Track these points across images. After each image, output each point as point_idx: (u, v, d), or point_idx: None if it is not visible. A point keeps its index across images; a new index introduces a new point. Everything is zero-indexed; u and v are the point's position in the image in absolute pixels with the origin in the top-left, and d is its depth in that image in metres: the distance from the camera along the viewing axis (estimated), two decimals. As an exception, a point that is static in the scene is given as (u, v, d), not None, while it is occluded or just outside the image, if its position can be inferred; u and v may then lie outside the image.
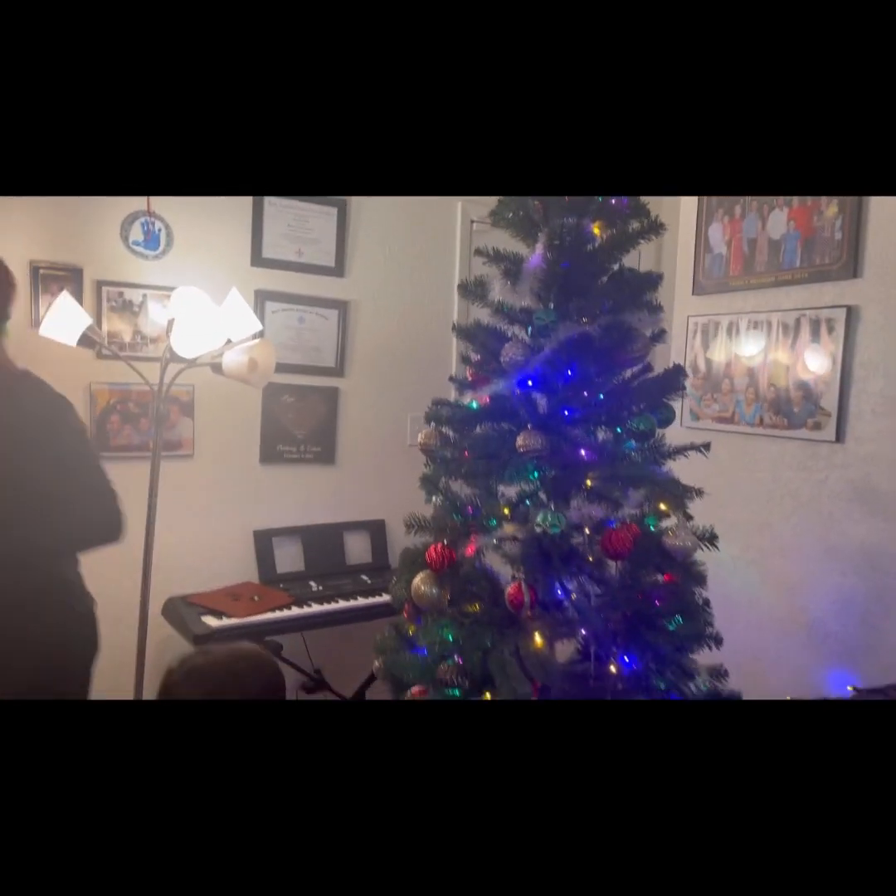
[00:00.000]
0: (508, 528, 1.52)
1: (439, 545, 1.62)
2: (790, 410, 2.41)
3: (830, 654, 2.13)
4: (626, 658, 1.56)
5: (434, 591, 1.66)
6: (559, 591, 1.55)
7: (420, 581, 1.68)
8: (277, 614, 2.65)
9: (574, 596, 1.54)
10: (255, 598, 2.74)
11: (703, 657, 1.71)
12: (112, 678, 2.64)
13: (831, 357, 2.28)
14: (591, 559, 1.54)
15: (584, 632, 1.57)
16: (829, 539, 2.26)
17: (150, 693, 2.64)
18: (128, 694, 2.49)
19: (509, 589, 1.48)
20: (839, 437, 2.24)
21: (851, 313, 2.23)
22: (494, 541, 1.56)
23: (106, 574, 2.68)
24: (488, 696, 1.54)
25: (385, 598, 2.76)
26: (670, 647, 1.55)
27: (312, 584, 2.94)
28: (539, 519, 1.42)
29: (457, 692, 1.52)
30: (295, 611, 2.69)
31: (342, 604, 2.80)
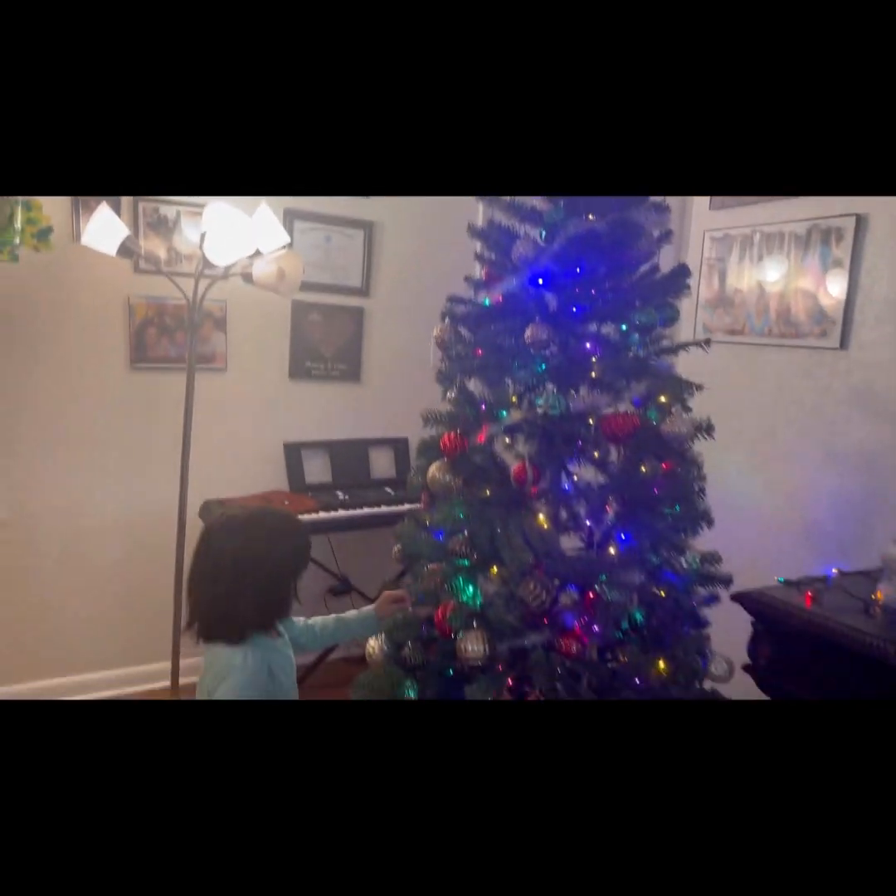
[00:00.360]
0: (516, 415, 1.64)
1: (452, 434, 1.75)
2: (797, 320, 2.47)
3: (825, 550, 2.24)
4: (622, 535, 1.69)
5: (447, 477, 1.79)
6: (561, 473, 1.67)
7: (435, 469, 1.81)
8: (305, 517, 2.82)
9: (576, 477, 1.67)
10: (285, 502, 2.91)
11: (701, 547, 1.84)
12: (153, 574, 2.86)
13: (839, 266, 2.33)
14: (593, 445, 1.66)
15: (583, 512, 1.70)
16: (830, 444, 2.34)
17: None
18: (169, 589, 2.69)
19: (514, 467, 1.60)
20: (843, 344, 2.30)
21: (860, 222, 2.26)
22: (503, 429, 1.68)
23: (148, 479, 2.87)
24: (495, 569, 1.68)
25: (406, 507, 2.93)
26: (666, 527, 1.67)
27: (339, 493, 3.11)
28: (540, 401, 1.53)
29: (466, 562, 1.67)
30: (322, 515, 2.87)
31: (366, 510, 2.97)
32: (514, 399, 1.65)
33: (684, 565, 1.66)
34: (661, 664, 1.63)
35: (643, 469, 1.74)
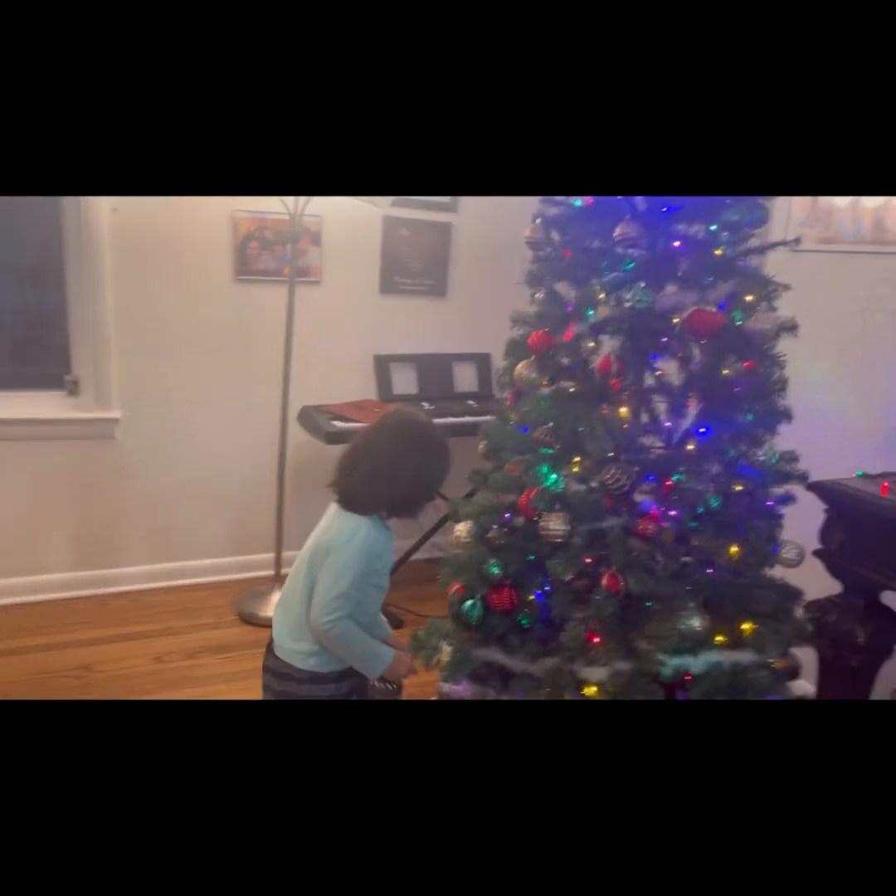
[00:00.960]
0: (602, 311, 1.72)
1: (540, 332, 1.85)
2: (892, 227, 2.42)
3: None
4: (701, 429, 1.77)
5: (534, 374, 1.90)
6: (644, 370, 1.75)
7: (522, 367, 1.92)
8: (395, 423, 3.00)
9: (659, 373, 1.75)
10: (376, 409, 3.09)
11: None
12: (257, 472, 3.11)
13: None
14: (677, 342, 1.73)
15: (664, 408, 1.78)
16: (920, 353, 2.32)
17: (289, 485, 3.09)
18: (272, 485, 2.93)
19: (599, 359, 1.70)
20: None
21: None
22: (590, 326, 1.77)
23: (252, 383, 3.09)
24: (577, 460, 1.80)
25: (488, 418, 3.05)
26: (745, 424, 1.74)
27: (425, 404, 3.26)
28: (628, 295, 1.61)
29: (550, 451, 1.79)
30: (410, 422, 3.04)
31: (451, 420, 3.12)
32: (601, 296, 1.73)
33: (761, 459, 1.73)
34: (733, 549, 1.73)
35: (725, 369, 1.80)
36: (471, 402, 3.39)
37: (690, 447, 1.80)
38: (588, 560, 1.80)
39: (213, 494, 3.15)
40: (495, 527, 1.94)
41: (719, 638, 1.81)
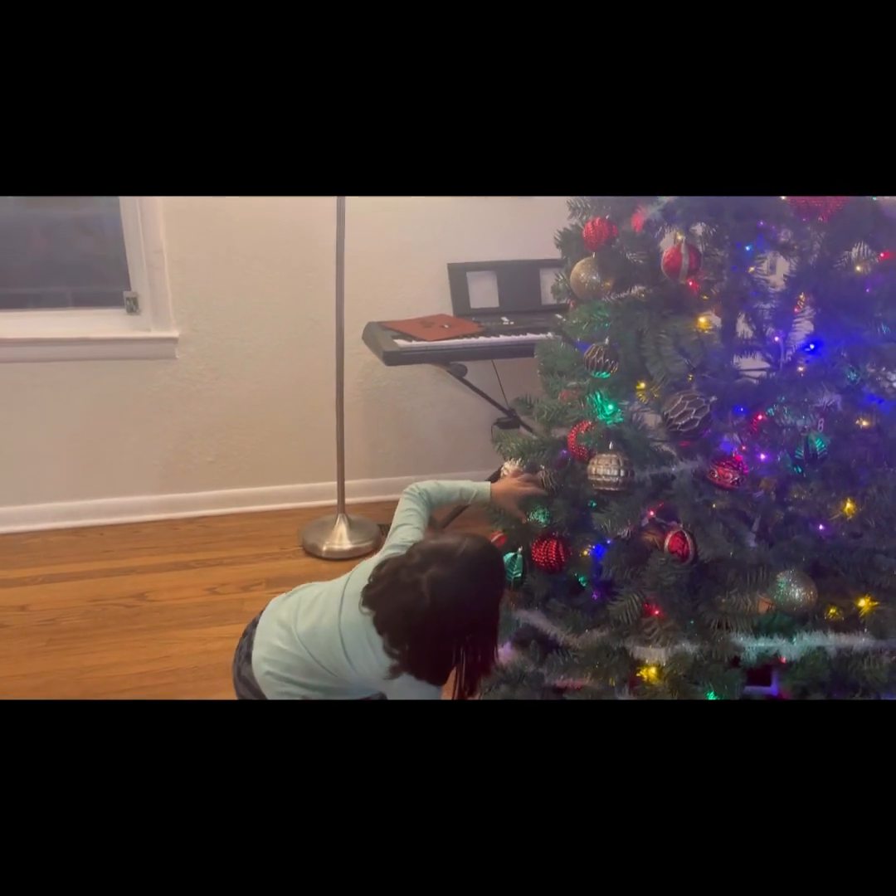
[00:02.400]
0: (676, 188, 1.29)
1: (598, 220, 1.44)
2: None
3: None
4: (811, 346, 1.33)
5: (594, 277, 1.50)
6: (735, 263, 1.32)
7: (579, 267, 1.52)
8: (464, 341, 2.66)
9: (751, 269, 1.30)
10: (445, 326, 2.76)
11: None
12: (319, 396, 2.90)
13: None
14: (779, 224, 1.27)
15: (764, 317, 1.35)
16: None
17: (354, 409, 2.87)
18: (331, 404, 2.72)
19: (666, 252, 1.28)
20: None
21: None
22: (661, 208, 1.34)
23: (310, 301, 2.85)
24: (642, 385, 1.41)
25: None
26: (875, 337, 1.28)
27: (505, 319, 2.89)
28: (706, 160, 1.17)
29: (605, 375, 1.41)
30: (481, 339, 2.69)
31: (531, 336, 2.73)
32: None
33: (895, 386, 1.27)
34: (848, 505, 1.30)
35: (852, 259, 1.33)
36: (560, 316, 2.97)
37: (800, 369, 1.36)
38: (652, 512, 1.44)
39: (276, 418, 2.98)
40: (543, 467, 1.61)
41: (832, 612, 1.41)
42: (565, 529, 1.54)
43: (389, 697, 1.31)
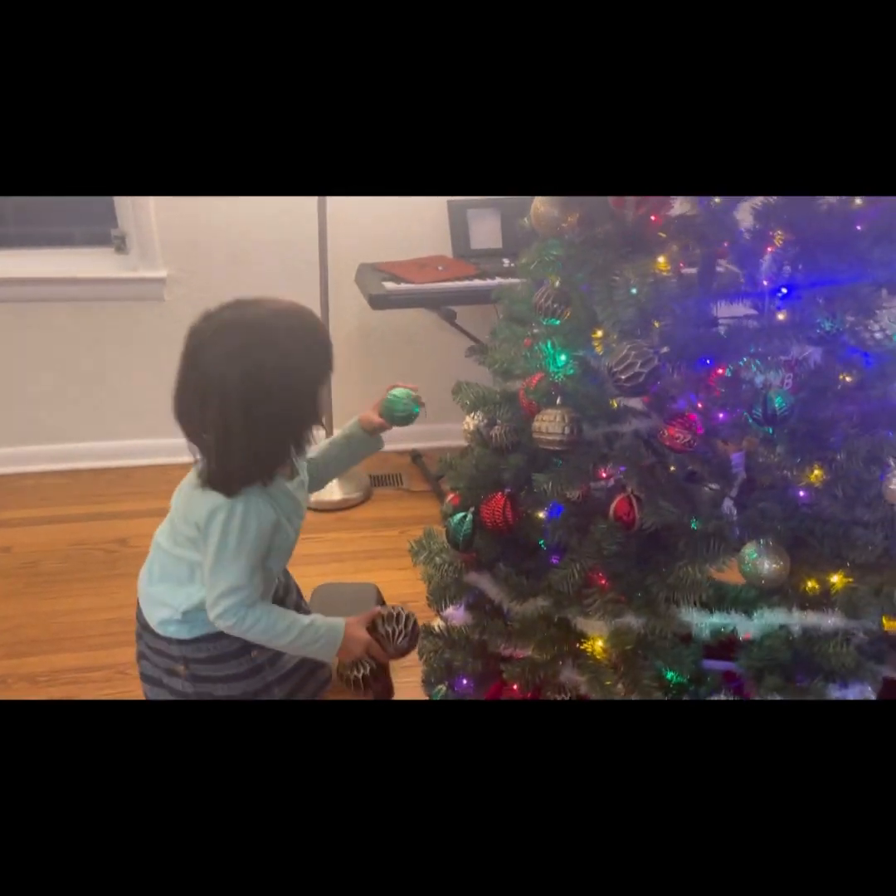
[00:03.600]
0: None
1: (554, 144, 1.28)
2: None
3: None
4: (783, 290, 1.16)
5: (555, 211, 1.35)
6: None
7: (540, 201, 1.37)
8: (454, 284, 2.52)
9: (717, 201, 1.14)
10: (440, 267, 2.62)
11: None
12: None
13: None
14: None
15: (725, 247, 1.18)
16: None
17: (345, 355, 2.78)
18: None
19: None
20: None
21: None
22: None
23: (306, 236, 2.72)
24: (598, 333, 1.27)
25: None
26: (858, 278, 1.11)
27: (506, 260, 2.73)
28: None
29: (555, 321, 1.28)
30: (475, 282, 2.54)
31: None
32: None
33: (878, 336, 1.11)
34: (816, 472, 1.16)
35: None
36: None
37: (780, 316, 1.21)
38: (603, 474, 1.31)
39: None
40: (499, 421, 1.49)
41: (809, 586, 1.29)
42: (518, 487, 1.44)
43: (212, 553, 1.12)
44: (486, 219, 2.82)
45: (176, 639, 1.23)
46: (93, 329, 2.74)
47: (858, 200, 1.19)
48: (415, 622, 1.35)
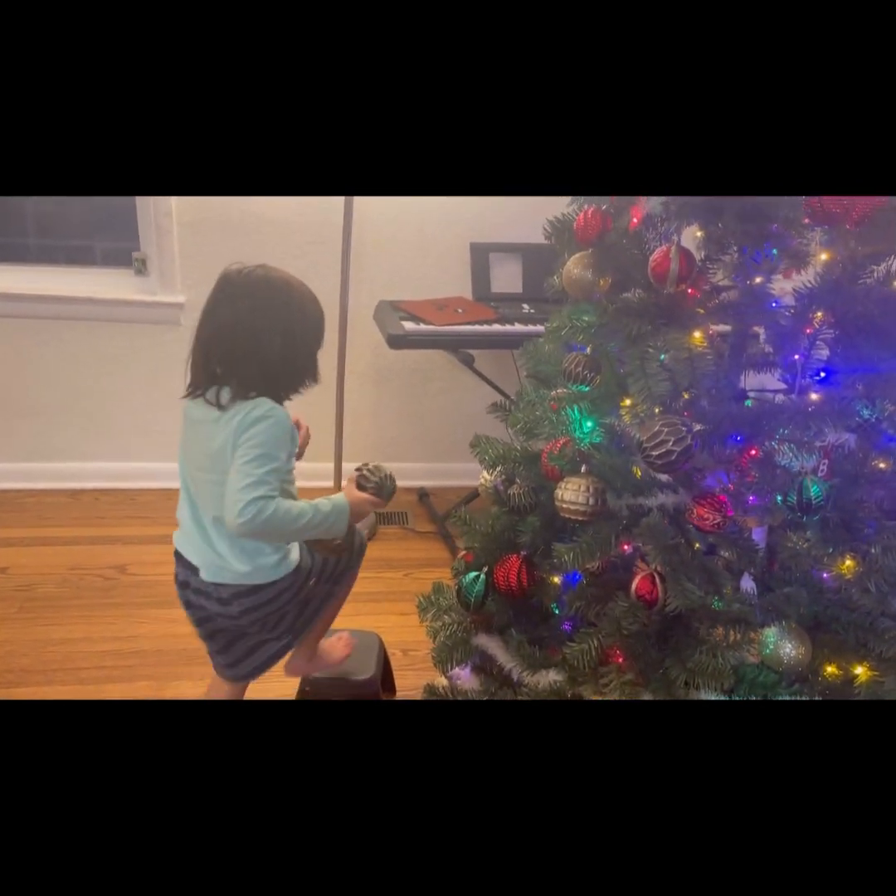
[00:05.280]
0: (676, 179, 1.11)
1: (592, 209, 1.26)
2: None
3: None
4: (822, 373, 1.14)
5: (588, 274, 1.33)
6: (741, 270, 1.13)
7: (573, 262, 1.36)
8: (473, 328, 2.50)
9: (757, 280, 1.12)
10: (459, 310, 2.60)
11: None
12: (325, 369, 2.78)
13: None
14: (794, 230, 1.08)
15: (764, 333, 1.16)
16: None
17: (359, 390, 2.76)
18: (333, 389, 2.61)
19: (654, 254, 1.10)
20: None
21: None
22: (662, 202, 1.16)
23: (318, 272, 2.71)
24: (627, 402, 1.25)
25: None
26: (899, 368, 1.09)
27: (525, 306, 2.71)
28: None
29: (584, 388, 1.25)
30: (494, 327, 2.52)
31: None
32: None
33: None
34: (848, 563, 1.12)
35: (886, 275, 1.13)
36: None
37: (810, 399, 1.18)
38: (625, 547, 1.28)
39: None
40: (518, 480, 1.46)
41: (829, 671, 1.24)
42: (535, 551, 1.40)
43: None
44: (507, 263, 2.81)
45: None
46: (106, 349, 2.72)
47: (882, 275, 1.17)
48: (384, 468, 1.45)
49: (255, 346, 1.25)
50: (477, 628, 1.47)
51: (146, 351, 2.74)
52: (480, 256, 2.78)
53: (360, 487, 1.41)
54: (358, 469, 1.45)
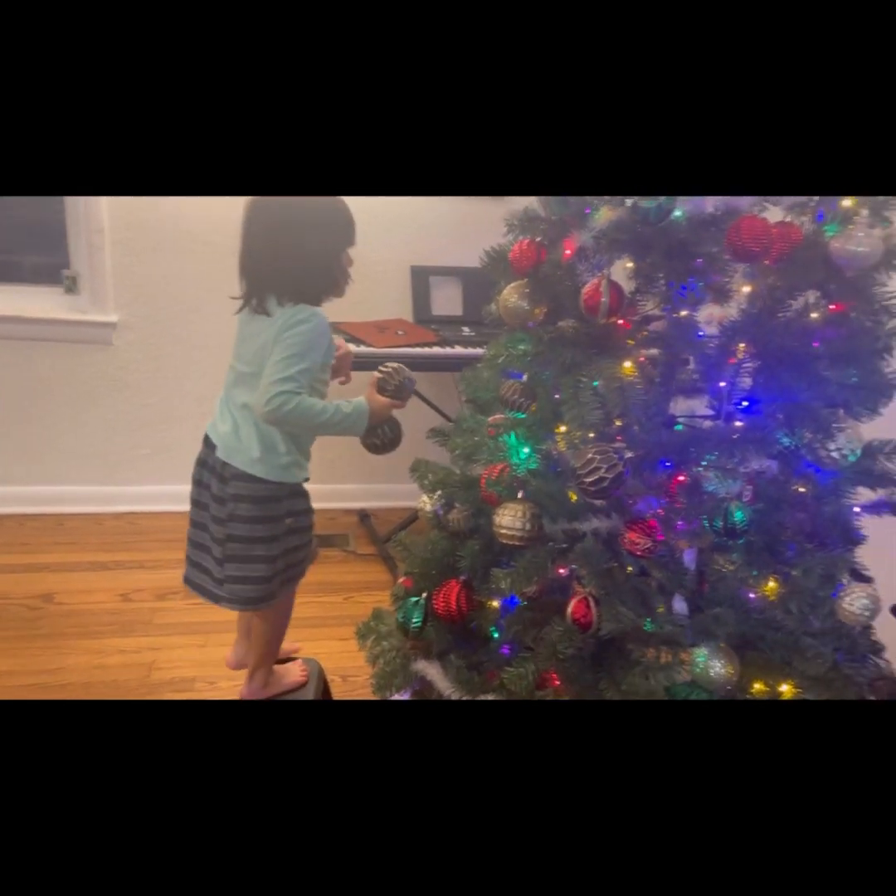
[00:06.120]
0: (607, 214, 1.14)
1: (526, 241, 1.29)
2: None
3: None
4: (744, 403, 1.19)
5: (524, 304, 1.36)
6: (668, 303, 1.17)
7: (509, 291, 1.38)
8: (415, 350, 2.52)
9: (683, 313, 1.16)
10: (400, 332, 2.62)
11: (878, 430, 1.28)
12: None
13: None
14: (717, 265, 1.13)
15: (692, 364, 1.21)
16: None
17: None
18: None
19: (585, 288, 1.14)
20: None
21: None
22: (592, 235, 1.20)
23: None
24: (562, 428, 1.27)
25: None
26: (815, 398, 1.14)
27: (465, 328, 2.75)
28: (632, 189, 1.03)
29: (520, 415, 1.27)
30: (435, 350, 2.54)
31: (489, 350, 2.59)
32: (606, 191, 1.16)
33: (834, 455, 1.13)
34: (772, 584, 1.17)
35: (801, 308, 1.19)
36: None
37: (738, 424, 1.23)
38: (561, 571, 1.30)
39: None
40: (458, 505, 1.47)
41: (756, 689, 1.28)
42: (474, 575, 1.41)
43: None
44: (447, 286, 2.85)
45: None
46: (35, 369, 2.63)
47: (814, 313, 1.23)
48: (405, 369, 1.51)
49: (289, 256, 1.34)
50: (416, 654, 1.47)
51: (76, 372, 2.66)
52: (421, 279, 2.81)
53: (381, 390, 1.47)
54: (379, 370, 1.49)
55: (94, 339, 2.64)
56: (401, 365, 1.50)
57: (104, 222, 2.52)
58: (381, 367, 1.50)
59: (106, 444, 2.76)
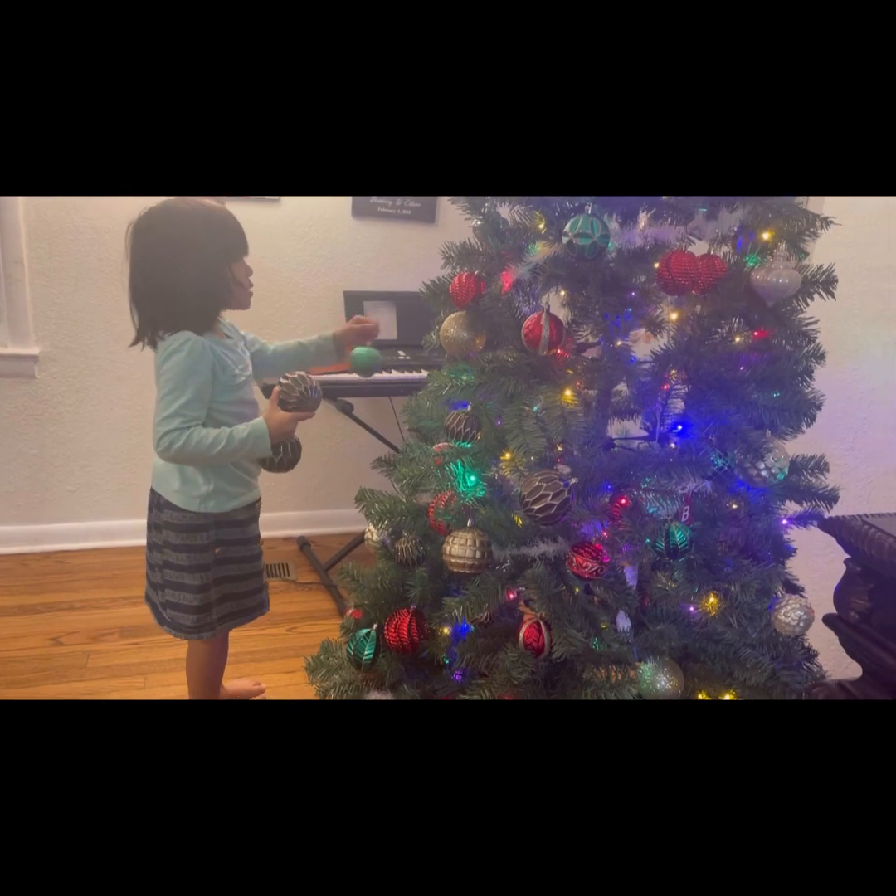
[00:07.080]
0: (543, 250, 1.18)
1: (465, 275, 1.33)
2: None
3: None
4: (679, 427, 1.24)
5: (464, 334, 1.39)
6: (603, 334, 1.22)
7: (449, 322, 1.41)
8: (351, 376, 2.51)
9: (618, 343, 1.21)
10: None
11: (806, 446, 1.35)
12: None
13: None
14: (649, 298, 1.18)
15: (627, 389, 1.26)
16: None
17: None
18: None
19: (526, 321, 1.18)
20: None
21: None
22: (529, 269, 1.24)
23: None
24: (507, 455, 1.30)
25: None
26: (744, 420, 1.21)
27: (401, 353, 2.76)
28: (568, 226, 1.07)
29: (466, 444, 1.30)
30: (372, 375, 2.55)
31: (423, 374, 2.61)
32: (541, 226, 1.19)
33: (764, 474, 1.19)
34: (712, 600, 1.22)
35: (726, 335, 1.26)
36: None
37: (673, 447, 1.28)
38: (510, 596, 1.32)
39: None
40: (406, 534, 1.48)
41: (701, 698, 1.33)
42: (424, 603, 1.42)
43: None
44: (381, 310, 2.85)
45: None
46: (-50, 406, 2.51)
47: (738, 339, 1.30)
48: (309, 377, 1.42)
49: (164, 280, 1.32)
50: (368, 686, 1.46)
51: (-4, 406, 2.55)
52: (354, 304, 2.81)
53: (283, 403, 1.40)
54: (280, 381, 1.42)
55: (14, 372, 2.53)
56: (303, 373, 1.43)
57: (23, 252, 2.42)
58: (281, 378, 1.43)
59: (30, 481, 2.64)
